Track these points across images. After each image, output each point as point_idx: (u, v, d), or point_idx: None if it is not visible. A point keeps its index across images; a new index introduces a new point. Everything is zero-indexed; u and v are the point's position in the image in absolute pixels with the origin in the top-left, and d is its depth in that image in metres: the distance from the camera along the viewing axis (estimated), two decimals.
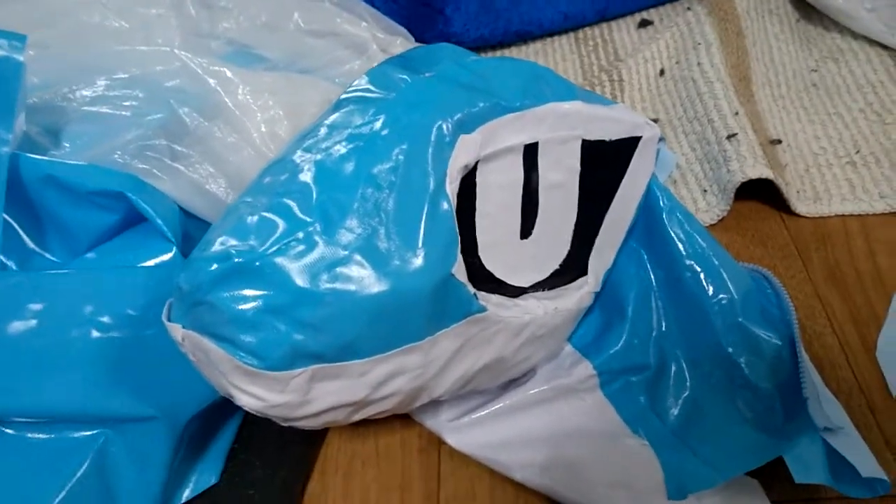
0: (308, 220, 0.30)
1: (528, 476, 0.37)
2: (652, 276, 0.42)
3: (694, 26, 0.64)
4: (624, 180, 0.40)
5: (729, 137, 0.52)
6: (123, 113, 0.44)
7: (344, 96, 0.35)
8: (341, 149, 0.32)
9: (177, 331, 0.30)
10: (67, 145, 0.43)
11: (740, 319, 0.39)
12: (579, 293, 0.40)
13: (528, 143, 0.36)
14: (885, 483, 0.33)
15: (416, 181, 0.32)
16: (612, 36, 0.71)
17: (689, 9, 0.69)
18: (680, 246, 0.40)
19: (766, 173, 0.49)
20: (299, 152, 0.32)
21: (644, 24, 0.72)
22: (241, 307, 0.28)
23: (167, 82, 0.46)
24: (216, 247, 0.29)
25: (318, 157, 0.32)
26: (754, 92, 0.60)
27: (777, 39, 0.67)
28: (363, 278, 0.30)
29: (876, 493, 0.33)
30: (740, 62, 0.61)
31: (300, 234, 0.29)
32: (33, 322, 0.36)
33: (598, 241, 0.40)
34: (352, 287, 0.29)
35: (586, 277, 0.41)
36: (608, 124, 0.39)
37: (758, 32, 0.66)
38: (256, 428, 0.41)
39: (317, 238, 0.30)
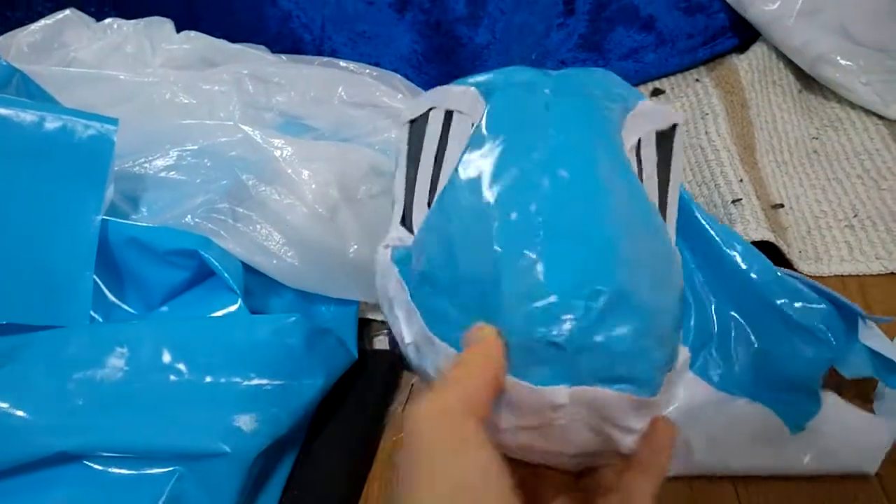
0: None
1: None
2: (691, 263, 0.49)
3: (702, 97, 0.70)
4: (673, 162, 0.42)
5: (734, 202, 0.57)
6: (193, 180, 0.50)
7: (485, 123, 0.34)
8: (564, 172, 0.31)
9: (561, 393, 0.27)
10: (145, 210, 0.49)
11: (779, 273, 0.46)
12: None
13: (639, 138, 0.38)
14: None
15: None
16: None
17: (697, 80, 0.75)
18: (712, 231, 0.47)
19: (768, 236, 0.53)
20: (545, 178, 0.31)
21: (657, 92, 0.77)
22: (623, 341, 0.27)
23: (231, 152, 0.52)
24: (566, 291, 0.27)
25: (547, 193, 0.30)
26: (758, 159, 0.65)
27: (780, 109, 0.72)
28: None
29: None
30: (745, 132, 0.66)
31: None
32: (119, 367, 0.41)
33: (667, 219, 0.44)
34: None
35: None
36: (661, 115, 0.41)
37: (762, 103, 0.71)
38: (308, 468, 0.45)
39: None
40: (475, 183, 0.31)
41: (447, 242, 0.31)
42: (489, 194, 0.30)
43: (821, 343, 0.45)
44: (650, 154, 0.39)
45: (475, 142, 0.33)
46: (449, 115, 0.38)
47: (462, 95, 0.37)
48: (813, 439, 0.43)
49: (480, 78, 0.38)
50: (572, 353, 0.27)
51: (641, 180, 0.37)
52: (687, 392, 0.46)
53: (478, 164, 0.32)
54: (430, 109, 0.39)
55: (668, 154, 0.42)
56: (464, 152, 0.33)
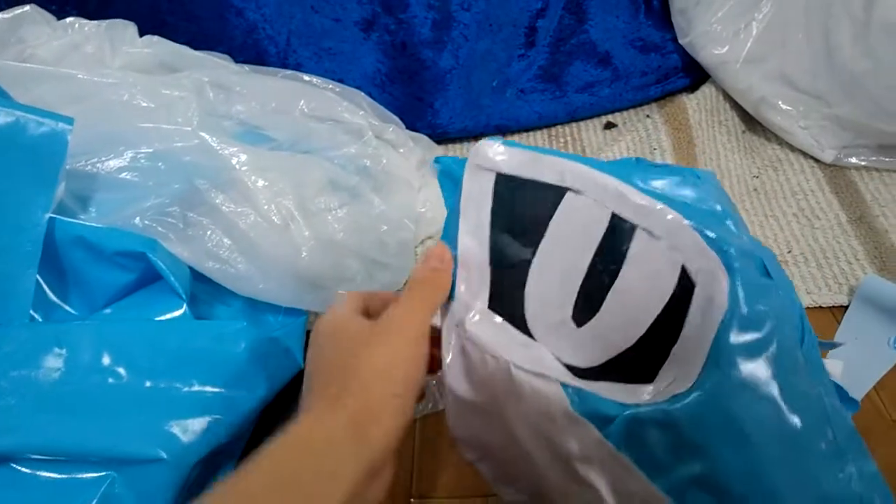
0: None
1: None
2: None
3: (652, 133, 0.72)
4: None
5: None
6: (146, 182, 0.50)
7: (743, 301, 0.29)
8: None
9: None
10: (94, 210, 0.48)
11: None
12: None
13: None
14: (855, 403, 0.43)
15: None
16: (580, 135, 0.80)
17: (648, 116, 0.78)
18: None
19: None
20: None
21: (609, 126, 0.80)
22: None
23: (186, 157, 0.52)
24: None
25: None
26: None
27: (724, 148, 0.75)
28: None
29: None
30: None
31: None
32: (56, 368, 0.40)
33: None
34: None
35: None
36: None
37: (707, 141, 0.75)
38: None
39: None
40: (761, 390, 0.28)
41: (749, 456, 0.28)
42: (788, 412, 0.28)
43: None
44: None
45: (739, 322, 0.29)
46: (622, 225, 0.31)
47: (653, 213, 0.31)
48: None
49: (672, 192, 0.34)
50: None
51: None
52: None
53: (753, 362, 0.29)
54: (567, 190, 0.32)
55: None
56: (728, 331, 0.29)
